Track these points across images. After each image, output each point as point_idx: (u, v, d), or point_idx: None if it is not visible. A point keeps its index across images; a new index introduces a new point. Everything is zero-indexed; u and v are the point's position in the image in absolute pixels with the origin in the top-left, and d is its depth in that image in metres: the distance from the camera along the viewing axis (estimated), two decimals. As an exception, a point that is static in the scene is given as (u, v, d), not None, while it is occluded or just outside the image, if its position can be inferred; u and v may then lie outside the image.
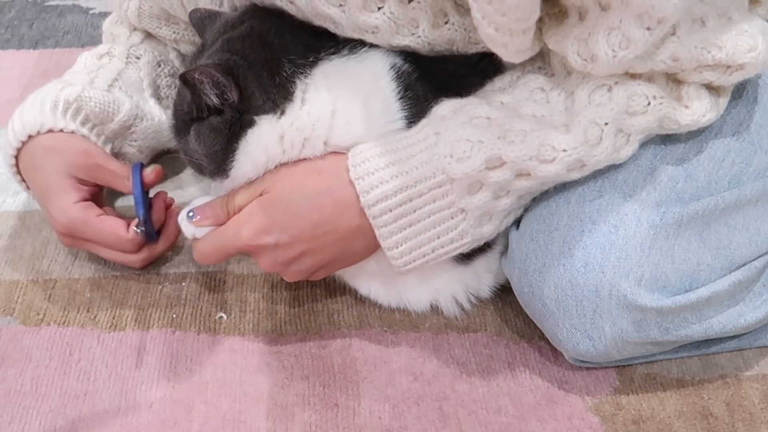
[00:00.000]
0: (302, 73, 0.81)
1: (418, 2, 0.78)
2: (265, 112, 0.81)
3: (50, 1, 1.62)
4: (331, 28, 0.81)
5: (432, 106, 0.83)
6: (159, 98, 1.11)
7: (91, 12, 1.59)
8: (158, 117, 1.07)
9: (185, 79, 0.80)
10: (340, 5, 0.78)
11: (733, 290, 0.83)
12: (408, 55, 0.84)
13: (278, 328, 0.94)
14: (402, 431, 0.83)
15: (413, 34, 0.80)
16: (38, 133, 0.95)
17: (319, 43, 0.82)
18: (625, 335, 0.81)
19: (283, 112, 0.81)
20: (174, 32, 1.10)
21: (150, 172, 0.97)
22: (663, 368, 0.89)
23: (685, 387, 0.88)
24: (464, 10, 0.80)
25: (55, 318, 0.94)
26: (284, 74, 0.81)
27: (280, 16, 0.84)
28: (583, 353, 0.83)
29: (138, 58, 1.09)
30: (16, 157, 0.98)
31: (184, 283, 0.99)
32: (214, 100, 0.81)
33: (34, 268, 1.01)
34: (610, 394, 0.87)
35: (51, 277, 1.00)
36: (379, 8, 0.78)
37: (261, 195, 0.84)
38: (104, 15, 1.36)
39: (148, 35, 1.12)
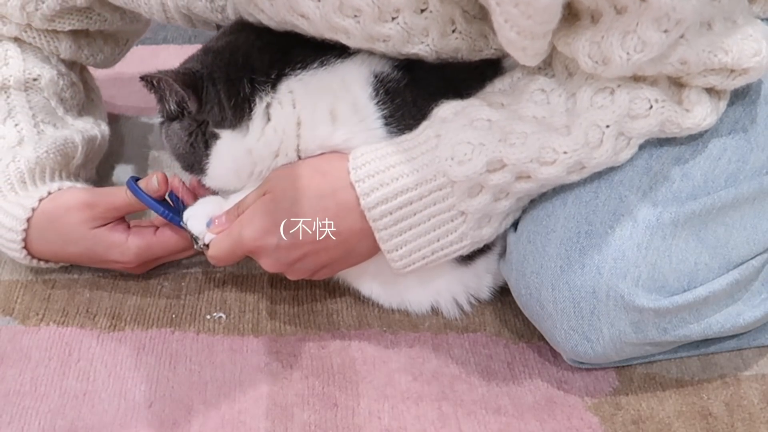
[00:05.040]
0: (263, 90, 0.83)
1: (431, 12, 0.78)
2: (224, 128, 0.84)
3: None
4: (343, 39, 0.81)
5: (424, 110, 0.83)
6: (67, 110, 1.04)
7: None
8: (98, 130, 1.03)
9: (145, 81, 0.83)
10: (355, 16, 0.77)
11: (731, 289, 0.84)
12: (399, 62, 0.84)
13: (278, 328, 0.94)
14: (401, 431, 0.83)
15: (422, 42, 0.80)
16: (33, 211, 0.91)
17: (286, 58, 0.84)
18: (623, 336, 0.81)
19: (247, 130, 0.83)
20: (87, 18, 1.02)
21: (155, 183, 0.91)
22: (662, 368, 0.90)
23: (684, 387, 0.88)
24: (470, 17, 0.79)
25: (55, 318, 0.94)
26: (242, 94, 0.83)
27: (259, 32, 0.85)
28: (581, 355, 0.83)
29: (35, 80, 1.01)
30: (25, 248, 0.94)
31: (183, 283, 0.99)
32: (173, 106, 0.84)
33: (34, 268, 1.00)
34: (609, 394, 0.87)
35: (50, 277, 1.00)
36: (393, 18, 0.78)
37: (264, 195, 0.84)
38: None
39: (20, 42, 1.02)
